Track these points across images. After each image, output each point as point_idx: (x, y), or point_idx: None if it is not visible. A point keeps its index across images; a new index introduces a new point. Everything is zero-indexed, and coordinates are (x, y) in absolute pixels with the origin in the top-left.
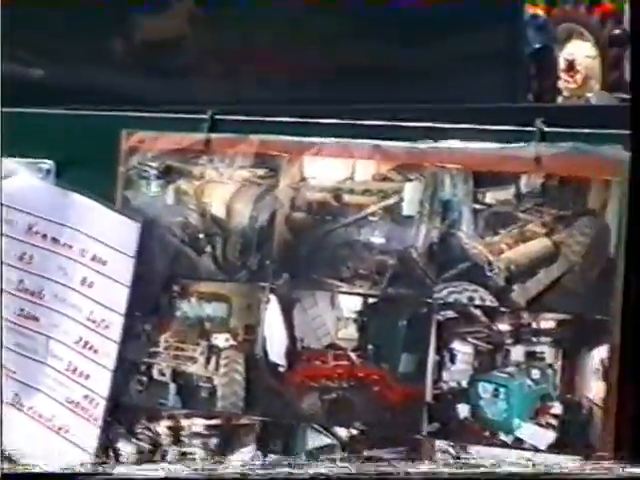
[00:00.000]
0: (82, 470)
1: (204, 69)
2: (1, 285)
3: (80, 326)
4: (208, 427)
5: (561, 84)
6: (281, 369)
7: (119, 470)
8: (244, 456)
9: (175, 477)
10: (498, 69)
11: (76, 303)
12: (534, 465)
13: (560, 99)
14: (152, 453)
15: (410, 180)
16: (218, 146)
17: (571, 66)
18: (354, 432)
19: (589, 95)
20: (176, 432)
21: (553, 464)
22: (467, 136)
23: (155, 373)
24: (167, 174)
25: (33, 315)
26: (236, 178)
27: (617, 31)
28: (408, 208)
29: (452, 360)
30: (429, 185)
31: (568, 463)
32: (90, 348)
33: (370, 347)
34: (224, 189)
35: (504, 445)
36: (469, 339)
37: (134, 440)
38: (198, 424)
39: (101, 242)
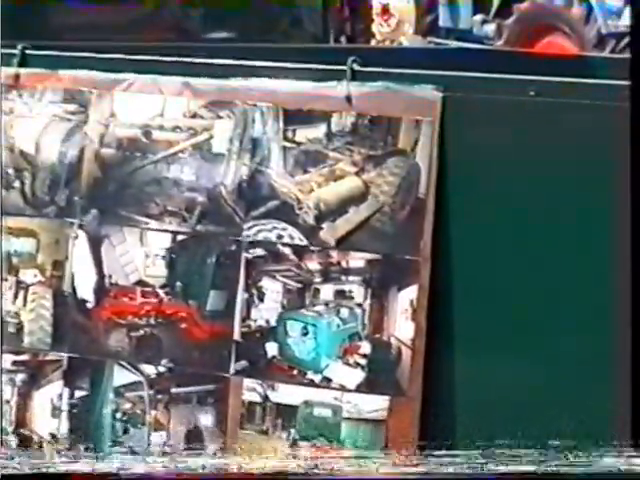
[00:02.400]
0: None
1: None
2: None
3: None
4: (15, 363)
5: (375, 28)
6: (89, 305)
7: None
8: (51, 392)
9: None
10: (311, 11)
11: None
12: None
13: (374, 42)
14: None
15: (220, 117)
16: (28, 81)
17: (385, 10)
18: (161, 369)
19: (402, 39)
20: None
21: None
22: (278, 74)
23: None
24: None
25: None
26: (45, 113)
27: None
28: (218, 145)
29: (261, 298)
30: (239, 122)
31: (377, 403)
32: None
33: (178, 284)
34: (33, 124)
35: (313, 384)
36: (278, 277)
37: None
38: (5, 360)
39: None
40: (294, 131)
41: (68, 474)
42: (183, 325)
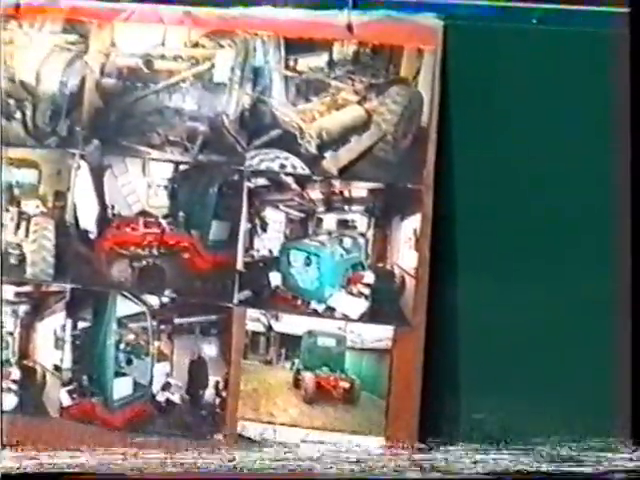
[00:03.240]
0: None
1: None
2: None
3: None
4: (18, 294)
5: None
6: (91, 236)
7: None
8: (54, 323)
9: None
10: None
11: None
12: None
13: None
14: None
15: (222, 47)
16: (28, 11)
17: None
18: (164, 300)
19: None
20: None
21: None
22: (278, 3)
23: None
24: None
25: None
26: (46, 44)
27: None
28: (219, 75)
29: (264, 228)
30: (240, 52)
31: (381, 333)
32: None
33: (181, 214)
34: (34, 55)
35: (316, 314)
36: (281, 207)
37: None
38: (8, 291)
39: None
40: (296, 60)
41: (68, 474)
42: (186, 255)
